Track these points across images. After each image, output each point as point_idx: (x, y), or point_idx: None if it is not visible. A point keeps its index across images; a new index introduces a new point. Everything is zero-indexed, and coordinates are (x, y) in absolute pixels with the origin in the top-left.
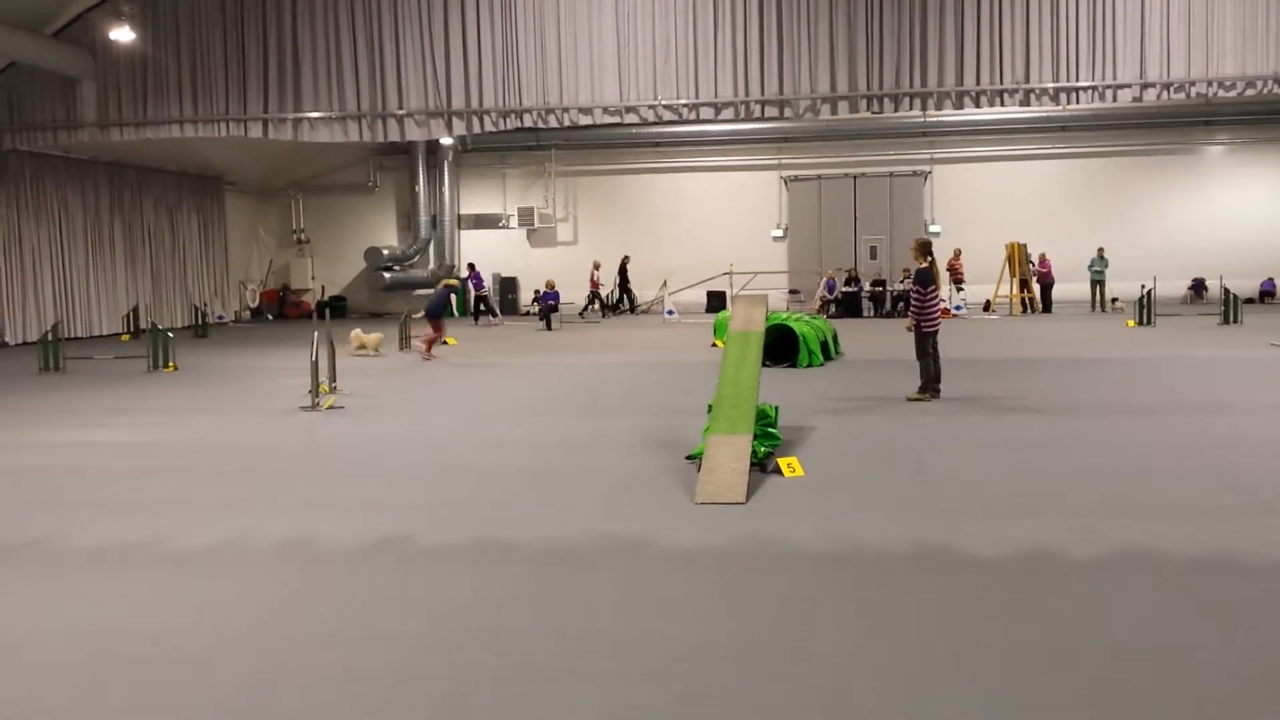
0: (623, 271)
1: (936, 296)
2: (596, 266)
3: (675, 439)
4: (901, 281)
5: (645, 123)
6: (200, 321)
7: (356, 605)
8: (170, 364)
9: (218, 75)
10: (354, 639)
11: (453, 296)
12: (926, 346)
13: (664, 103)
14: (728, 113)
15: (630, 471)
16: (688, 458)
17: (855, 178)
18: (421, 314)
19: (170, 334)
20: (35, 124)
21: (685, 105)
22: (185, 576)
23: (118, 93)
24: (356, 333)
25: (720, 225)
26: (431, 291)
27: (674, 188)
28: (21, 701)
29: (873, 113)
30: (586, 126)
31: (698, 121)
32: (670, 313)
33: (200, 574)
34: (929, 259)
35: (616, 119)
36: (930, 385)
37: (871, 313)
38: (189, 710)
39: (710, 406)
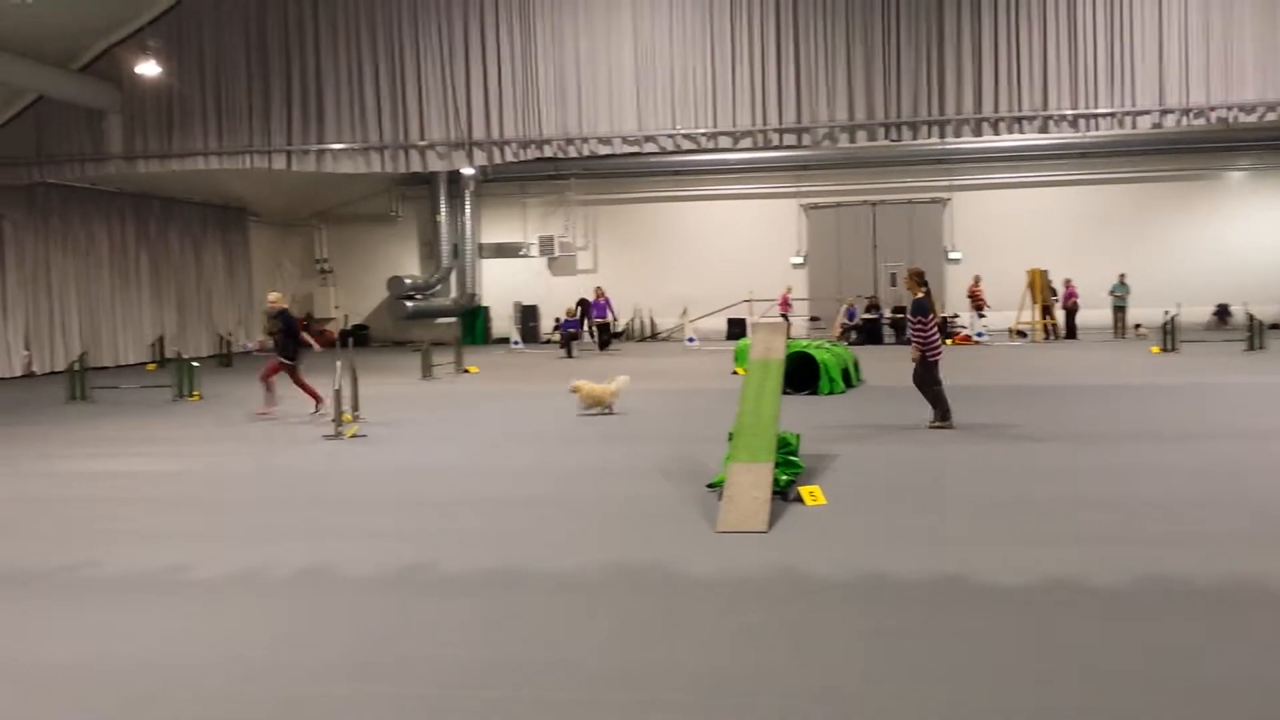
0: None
1: (935, 325)
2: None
3: (695, 467)
4: (893, 311)
5: (664, 152)
6: (225, 351)
7: (376, 635)
8: (195, 393)
9: (242, 107)
10: (374, 669)
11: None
12: (935, 375)
13: (683, 132)
14: (746, 141)
15: (650, 499)
16: (708, 486)
17: (874, 205)
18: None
19: (195, 363)
20: (63, 156)
21: (704, 134)
22: (209, 605)
23: (143, 125)
24: (585, 385)
25: (739, 253)
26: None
27: (693, 216)
28: None
29: (891, 140)
30: (606, 156)
31: (716, 150)
32: (691, 340)
33: (224, 603)
34: (924, 288)
35: (635, 148)
36: (948, 413)
37: (893, 340)
38: None
39: (731, 434)
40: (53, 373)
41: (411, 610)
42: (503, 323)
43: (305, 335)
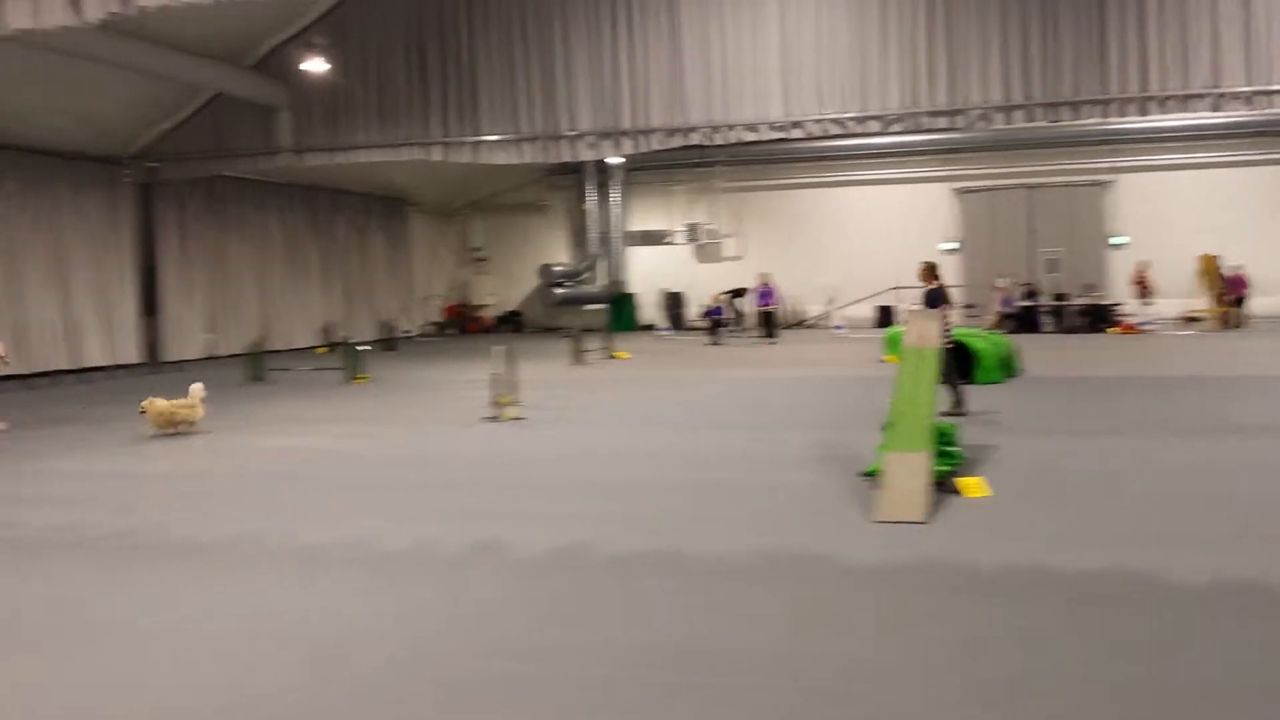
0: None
1: (947, 316)
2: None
3: (848, 455)
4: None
5: (811, 137)
6: (389, 335)
7: (543, 615)
8: (363, 376)
9: (401, 102)
10: (541, 649)
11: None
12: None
13: (830, 117)
14: (897, 126)
15: (804, 486)
16: (863, 474)
17: (1031, 188)
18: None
19: (363, 347)
20: (238, 151)
21: (852, 119)
22: (385, 579)
23: (311, 120)
24: (156, 404)
25: (888, 239)
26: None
27: (840, 201)
28: (232, 691)
29: (1050, 122)
30: (752, 143)
31: (865, 135)
32: (839, 327)
33: (398, 578)
34: (936, 280)
35: (782, 134)
36: (962, 402)
37: (1052, 328)
38: (389, 712)
39: (886, 424)
40: (232, 355)
41: (575, 591)
42: (649, 309)
43: None
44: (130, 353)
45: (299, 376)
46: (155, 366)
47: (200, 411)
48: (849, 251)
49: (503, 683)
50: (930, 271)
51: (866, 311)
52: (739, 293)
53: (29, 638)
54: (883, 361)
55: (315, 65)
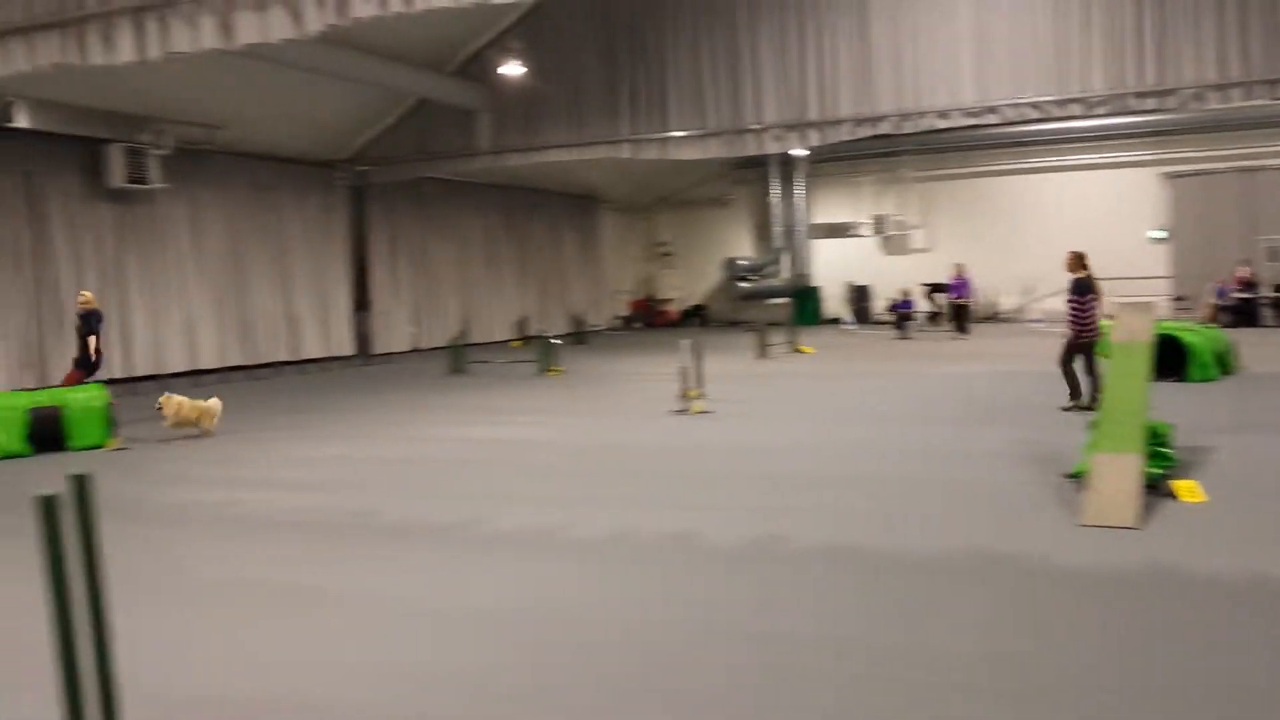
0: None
1: (1094, 305)
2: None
3: (1048, 454)
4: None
5: (1007, 123)
6: (579, 329)
7: (740, 604)
8: (556, 368)
9: (592, 101)
10: (739, 637)
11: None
12: (1078, 354)
13: (1028, 101)
14: (1101, 109)
15: (1003, 485)
16: (1067, 475)
17: (1250, 172)
18: None
19: (555, 340)
20: (440, 153)
21: (1052, 102)
22: (587, 564)
23: (508, 122)
24: (173, 400)
25: (1091, 228)
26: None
27: (1037, 189)
28: (469, 670)
29: (1271, 99)
30: (944, 130)
31: (1065, 119)
32: (1038, 321)
33: (599, 563)
34: (1085, 270)
35: (975, 120)
36: (1080, 393)
37: (1273, 322)
38: (600, 689)
39: (1092, 423)
40: (434, 348)
41: (771, 582)
42: (834, 303)
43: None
44: (344, 346)
45: (496, 369)
46: (366, 359)
47: (214, 421)
48: (1047, 242)
49: (715, 669)
50: (1079, 261)
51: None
52: (939, 288)
53: (288, 608)
54: None
55: (512, 68)
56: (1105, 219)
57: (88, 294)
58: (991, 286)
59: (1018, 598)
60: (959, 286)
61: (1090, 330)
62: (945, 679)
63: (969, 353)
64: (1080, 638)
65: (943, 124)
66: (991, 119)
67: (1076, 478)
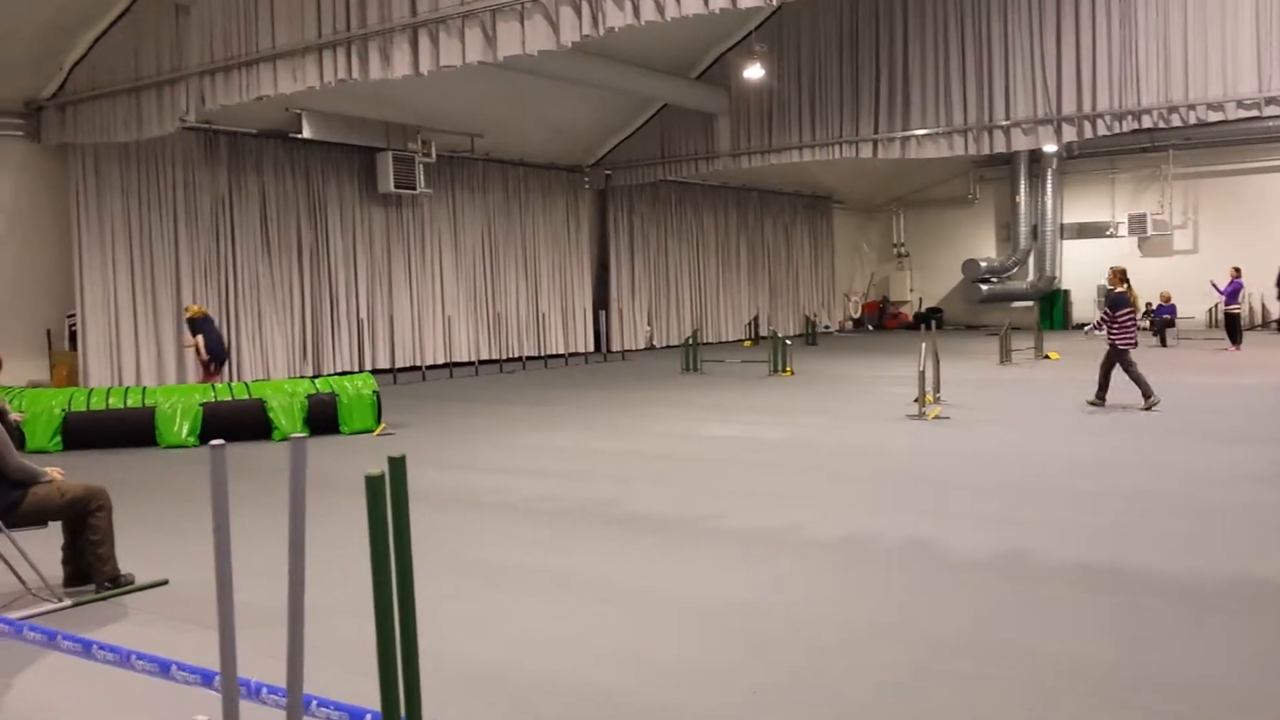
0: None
1: (1129, 317)
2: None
3: None
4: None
5: None
6: (810, 330)
7: (981, 615)
8: (788, 369)
9: (833, 101)
10: (983, 648)
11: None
12: (1127, 360)
13: None
14: None
15: (1273, 507)
16: None
17: None
18: None
19: (787, 341)
20: (680, 157)
21: None
22: (823, 565)
23: (747, 124)
24: None
25: None
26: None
27: None
28: (691, 661)
29: None
30: (1216, 123)
31: None
32: None
33: (835, 565)
34: (1124, 285)
35: (1254, 113)
36: (1102, 394)
37: None
38: (834, 693)
39: None
40: (668, 346)
41: (1011, 596)
42: (1084, 306)
43: (198, 346)
44: (583, 343)
45: (729, 368)
46: (604, 356)
47: None
48: None
49: (948, 676)
50: (1120, 276)
51: None
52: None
53: (538, 588)
54: None
55: (754, 72)
56: None
57: (195, 306)
58: (1264, 291)
59: None
60: (1233, 291)
61: (1125, 339)
62: (1195, 712)
63: (1240, 363)
64: None
65: (1215, 117)
66: (1273, 111)
67: None
